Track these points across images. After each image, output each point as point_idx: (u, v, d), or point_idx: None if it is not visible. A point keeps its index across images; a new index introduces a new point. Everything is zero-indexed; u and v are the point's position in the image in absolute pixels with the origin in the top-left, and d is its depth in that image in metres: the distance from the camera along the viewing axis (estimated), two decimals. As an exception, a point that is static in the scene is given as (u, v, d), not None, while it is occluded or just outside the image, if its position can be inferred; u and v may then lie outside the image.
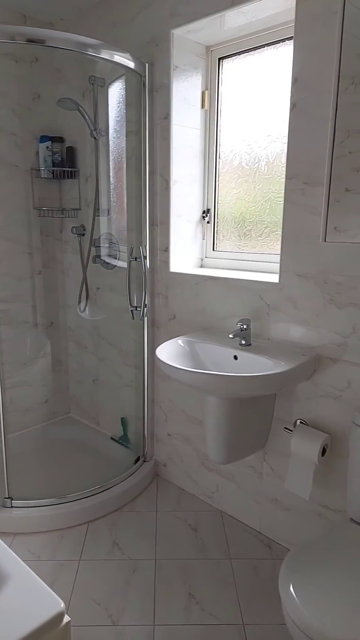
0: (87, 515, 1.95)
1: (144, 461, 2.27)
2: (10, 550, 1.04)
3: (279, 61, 1.72)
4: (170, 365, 1.51)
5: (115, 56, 1.76)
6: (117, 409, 2.47)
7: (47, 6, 2.12)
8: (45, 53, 2.27)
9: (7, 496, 1.91)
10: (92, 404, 2.64)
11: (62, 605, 0.92)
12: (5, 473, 1.91)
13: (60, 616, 0.90)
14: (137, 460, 2.24)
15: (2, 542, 1.07)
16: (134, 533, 1.87)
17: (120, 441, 2.41)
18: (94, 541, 1.83)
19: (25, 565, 1.00)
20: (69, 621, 0.92)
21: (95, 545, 1.80)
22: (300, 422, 1.64)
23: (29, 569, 0.99)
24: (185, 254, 2.06)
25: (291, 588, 1.11)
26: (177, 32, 1.81)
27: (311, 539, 1.26)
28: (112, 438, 2.47)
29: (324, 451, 1.53)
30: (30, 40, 1.64)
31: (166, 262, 2.02)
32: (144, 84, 1.90)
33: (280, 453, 1.75)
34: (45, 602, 0.92)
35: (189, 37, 1.84)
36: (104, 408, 2.57)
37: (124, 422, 2.41)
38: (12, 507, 1.91)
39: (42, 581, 0.97)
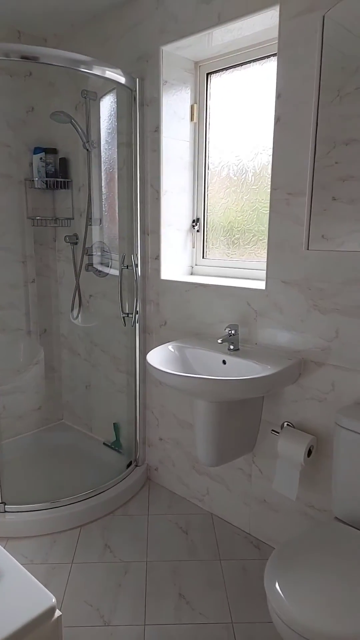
0: (80, 519, 1.97)
1: (136, 466, 2.30)
2: (3, 549, 1.08)
3: (264, 76, 1.79)
4: (161, 370, 1.55)
5: (107, 72, 1.82)
6: (109, 414, 2.50)
7: (41, 22, 2.19)
8: (39, 68, 2.34)
9: (0, 501, 1.93)
10: (85, 410, 2.67)
11: (54, 600, 0.95)
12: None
13: (51, 610, 0.94)
14: (129, 464, 2.28)
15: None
16: (125, 536, 1.90)
17: (113, 446, 2.44)
18: (86, 544, 1.85)
19: (17, 562, 1.04)
20: (60, 615, 0.95)
21: (88, 549, 1.83)
22: (287, 424, 1.69)
23: (21, 566, 1.02)
24: (176, 261, 2.11)
25: (277, 585, 1.15)
26: (167, 49, 1.87)
27: (296, 536, 1.30)
28: (104, 443, 2.50)
29: (310, 452, 1.58)
30: (24, 57, 1.70)
31: (157, 270, 2.07)
32: (135, 98, 1.96)
33: (268, 455, 1.79)
34: (37, 597, 0.95)
35: (178, 53, 1.91)
36: (96, 414, 2.60)
37: (116, 427, 2.44)
38: (5, 511, 1.93)
39: (34, 578, 1.00)
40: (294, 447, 1.56)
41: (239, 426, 1.73)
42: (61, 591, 1.61)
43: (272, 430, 1.70)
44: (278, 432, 1.65)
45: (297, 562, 1.20)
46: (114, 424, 2.45)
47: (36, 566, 1.74)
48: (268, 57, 1.77)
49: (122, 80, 1.88)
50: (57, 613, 0.96)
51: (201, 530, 1.94)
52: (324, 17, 1.32)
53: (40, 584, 0.99)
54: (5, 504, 1.93)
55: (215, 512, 2.04)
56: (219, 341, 1.66)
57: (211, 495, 2.04)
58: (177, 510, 2.08)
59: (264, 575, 1.18)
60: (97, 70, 1.81)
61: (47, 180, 2.37)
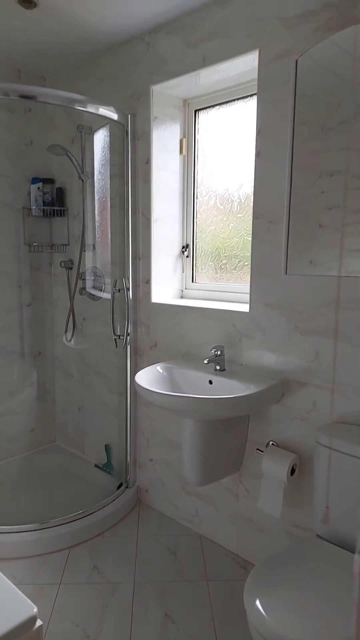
0: (69, 540, 1.98)
1: (127, 487, 2.32)
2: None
3: (247, 113, 1.91)
4: (147, 389, 1.61)
5: (100, 109, 1.95)
6: (101, 436, 2.53)
7: (40, 62, 2.34)
8: (38, 104, 2.48)
9: (-10, 521, 1.95)
10: (78, 431, 2.70)
11: (35, 609, 0.98)
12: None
13: (32, 620, 0.97)
14: (119, 486, 2.29)
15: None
16: (114, 557, 1.91)
17: (104, 468, 2.46)
18: (75, 565, 1.86)
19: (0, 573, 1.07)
20: (41, 625, 0.98)
21: (76, 570, 1.84)
22: (272, 443, 1.73)
23: (4, 577, 1.06)
24: (166, 285, 2.19)
25: (256, 601, 1.17)
26: (157, 88, 2.00)
27: (277, 553, 1.33)
28: (96, 465, 2.52)
29: (293, 471, 1.62)
30: (23, 96, 1.83)
31: (148, 294, 2.15)
32: (127, 132, 2.08)
33: (254, 475, 1.82)
34: (18, 606, 0.98)
35: (167, 92, 2.04)
36: (89, 435, 2.63)
37: (107, 448, 2.47)
38: (-5, 532, 1.94)
39: (16, 588, 1.03)
40: (277, 466, 1.60)
41: (225, 445, 1.76)
42: (48, 611, 1.62)
43: (257, 449, 1.73)
44: (262, 451, 1.69)
45: (277, 578, 1.23)
46: (105, 445, 2.48)
47: (24, 587, 1.74)
48: (251, 95, 1.90)
49: (115, 116, 2.01)
50: (38, 622, 0.98)
51: (189, 551, 1.95)
52: (297, 61, 1.43)
53: (22, 593, 1.02)
54: (-5, 525, 1.95)
55: (204, 533, 2.05)
56: (205, 362, 1.72)
57: (200, 516, 2.06)
58: (166, 531, 2.09)
59: (244, 592, 1.21)
60: (91, 108, 1.93)
61: (44, 209, 2.48)
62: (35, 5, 1.81)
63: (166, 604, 1.66)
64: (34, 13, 1.88)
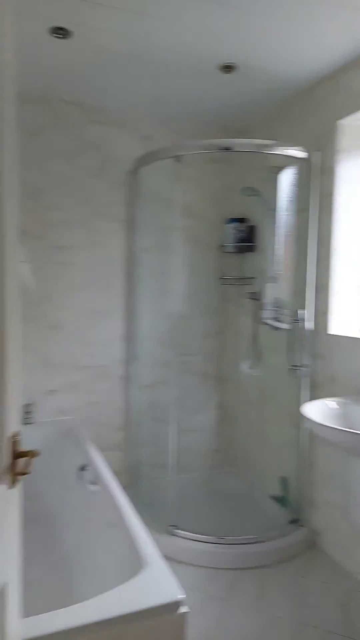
0: (239, 562, 2.04)
1: (300, 526, 2.25)
2: (153, 544, 1.29)
3: None
4: (315, 422, 1.58)
5: (287, 150, 2.08)
6: (277, 467, 2.53)
7: (239, 117, 2.64)
8: (234, 153, 2.76)
9: (171, 524, 2.17)
10: (256, 459, 2.76)
11: (181, 596, 1.10)
12: (173, 506, 2.18)
13: (175, 604, 1.08)
14: (291, 522, 2.25)
15: (150, 538, 1.32)
16: (279, 592, 1.88)
17: (278, 501, 2.44)
18: (241, 587, 1.90)
19: (160, 557, 1.23)
20: (187, 612, 1.08)
21: (242, 592, 1.88)
22: None
23: (163, 561, 1.21)
24: (350, 317, 2.11)
25: None
26: (343, 122, 2.02)
27: None
28: (271, 496, 2.52)
29: None
30: (222, 148, 2.12)
31: (327, 325, 2.11)
32: (313, 168, 2.15)
33: None
34: (168, 589, 1.11)
35: (355, 124, 2.04)
36: (265, 465, 2.66)
37: (284, 482, 2.45)
38: (174, 535, 2.15)
39: (171, 573, 1.17)
40: None
41: None
42: (209, 624, 1.70)
43: None
44: None
45: None
46: (281, 478, 2.47)
47: (193, 592, 1.87)
48: None
49: (301, 155, 2.10)
50: (184, 609, 1.09)
51: (361, 609, 1.78)
52: None
53: (175, 580, 1.14)
54: (176, 528, 2.16)
55: (382, 595, 1.83)
56: (384, 399, 1.60)
57: (378, 574, 1.85)
58: (338, 582, 1.94)
59: None
60: (278, 150, 2.08)
61: (237, 245, 2.71)
62: (234, 69, 2.08)
63: (327, 656, 1.55)
64: (233, 77, 2.16)
